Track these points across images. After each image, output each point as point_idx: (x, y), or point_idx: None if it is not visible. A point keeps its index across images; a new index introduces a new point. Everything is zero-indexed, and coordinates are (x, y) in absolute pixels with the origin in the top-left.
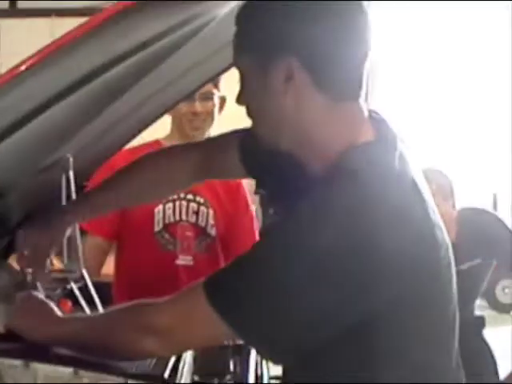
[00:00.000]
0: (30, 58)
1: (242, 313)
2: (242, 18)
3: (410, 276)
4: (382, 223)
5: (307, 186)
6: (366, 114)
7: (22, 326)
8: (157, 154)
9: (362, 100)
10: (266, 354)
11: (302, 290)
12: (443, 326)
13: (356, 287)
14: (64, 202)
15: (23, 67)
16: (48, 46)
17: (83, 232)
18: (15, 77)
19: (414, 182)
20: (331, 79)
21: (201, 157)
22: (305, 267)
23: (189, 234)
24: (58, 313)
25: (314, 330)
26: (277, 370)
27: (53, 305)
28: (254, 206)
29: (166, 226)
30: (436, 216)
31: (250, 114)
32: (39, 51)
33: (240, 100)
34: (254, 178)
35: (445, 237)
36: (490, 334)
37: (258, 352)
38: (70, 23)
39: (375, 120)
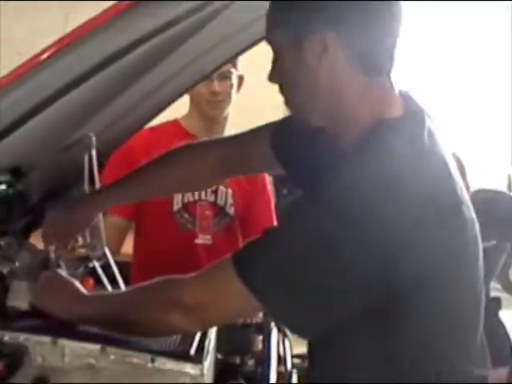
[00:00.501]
0: (54, 43)
1: (271, 286)
2: None
3: (436, 251)
4: (410, 197)
5: (336, 161)
6: (396, 90)
7: (47, 304)
8: (184, 149)
9: (392, 76)
10: (293, 328)
11: (331, 263)
12: (471, 303)
13: (383, 260)
14: (86, 181)
15: (48, 53)
16: (73, 30)
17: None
18: (40, 62)
19: (443, 157)
20: (365, 53)
21: (226, 153)
22: (334, 240)
23: (208, 213)
24: (83, 291)
25: (342, 303)
26: (298, 348)
27: (77, 283)
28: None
29: (185, 206)
30: (464, 193)
31: (283, 90)
32: (64, 36)
33: (272, 77)
34: (283, 165)
35: (472, 214)
36: (503, 316)
37: (285, 325)
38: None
39: (405, 97)
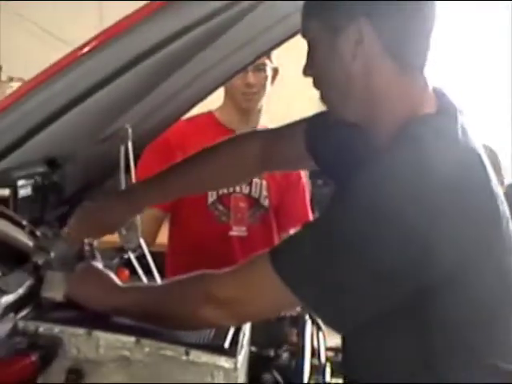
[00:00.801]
0: (93, 38)
1: (307, 280)
2: None
3: (468, 246)
4: (444, 193)
5: (369, 156)
6: (429, 86)
7: (82, 296)
8: (223, 144)
9: (426, 72)
10: (328, 321)
11: (365, 258)
12: (503, 297)
13: (420, 251)
14: (122, 173)
15: (86, 48)
16: (111, 26)
17: None
18: (79, 56)
19: (476, 153)
20: (400, 46)
21: (265, 147)
22: (368, 236)
23: (242, 205)
24: (118, 282)
25: (375, 298)
26: (332, 341)
27: (112, 274)
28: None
29: (220, 198)
30: (498, 189)
31: (318, 83)
32: (102, 31)
33: (306, 71)
34: (316, 160)
35: (506, 210)
36: None
37: (322, 319)
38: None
39: (438, 94)
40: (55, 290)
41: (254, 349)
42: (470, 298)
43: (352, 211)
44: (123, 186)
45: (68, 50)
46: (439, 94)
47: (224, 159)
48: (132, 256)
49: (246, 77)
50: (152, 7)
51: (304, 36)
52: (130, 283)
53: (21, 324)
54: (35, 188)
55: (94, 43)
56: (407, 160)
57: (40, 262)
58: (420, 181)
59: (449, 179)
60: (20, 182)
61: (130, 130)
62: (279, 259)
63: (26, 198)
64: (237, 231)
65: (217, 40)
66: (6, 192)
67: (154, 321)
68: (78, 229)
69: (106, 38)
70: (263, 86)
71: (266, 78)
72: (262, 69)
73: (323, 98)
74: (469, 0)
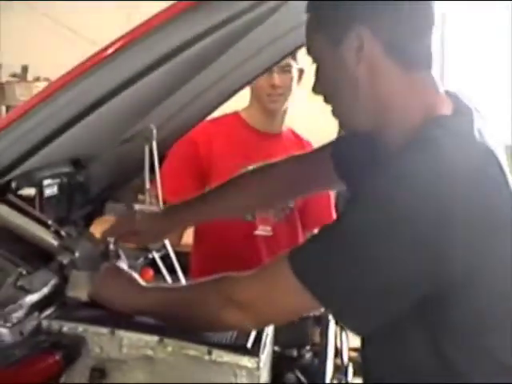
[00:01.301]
0: (119, 38)
1: (327, 283)
2: (313, 3)
3: (485, 246)
4: (460, 193)
5: (384, 158)
6: (440, 87)
7: (105, 296)
8: (256, 171)
9: (434, 73)
10: (348, 324)
11: (384, 260)
12: None
13: (433, 255)
14: (147, 173)
15: (111, 48)
16: (135, 27)
17: (165, 202)
18: (104, 57)
19: (494, 155)
20: (401, 46)
21: (295, 173)
22: (386, 238)
23: None
24: (141, 283)
25: (395, 299)
26: (356, 341)
27: (136, 275)
28: None
29: None
30: None
31: (328, 99)
32: (127, 33)
33: (316, 88)
34: (342, 179)
35: None
36: None
37: (341, 322)
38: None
39: (453, 97)
40: (80, 289)
41: (277, 348)
42: (483, 302)
43: (368, 215)
44: (148, 185)
45: (94, 49)
46: (455, 98)
47: (256, 187)
48: (156, 256)
49: (272, 78)
50: (177, 8)
51: (310, 54)
52: (153, 284)
53: (45, 323)
54: (60, 188)
55: (119, 43)
56: (423, 163)
57: (65, 261)
58: (436, 184)
59: (465, 183)
60: (46, 182)
61: (154, 130)
62: (298, 262)
63: (51, 198)
64: (262, 230)
65: (241, 40)
66: (32, 191)
67: (175, 322)
68: (111, 232)
69: (132, 39)
70: (288, 88)
71: (291, 79)
72: (287, 70)
73: (335, 112)
74: (469, 0)
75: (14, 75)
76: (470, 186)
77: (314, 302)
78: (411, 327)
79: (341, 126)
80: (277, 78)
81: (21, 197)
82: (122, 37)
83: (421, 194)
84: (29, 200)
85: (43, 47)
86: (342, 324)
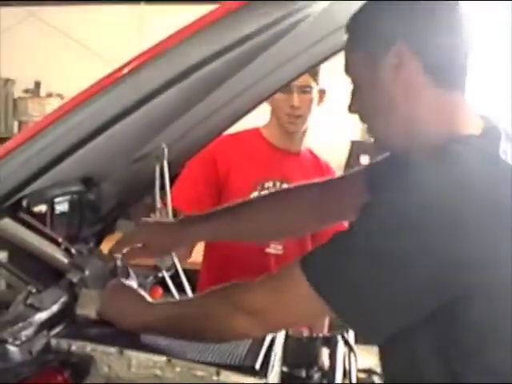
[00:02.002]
0: (134, 58)
1: (337, 288)
2: (353, 19)
3: (499, 260)
4: (477, 205)
5: (405, 170)
6: (472, 108)
7: (112, 314)
8: (278, 194)
9: (466, 93)
10: (358, 330)
11: (399, 267)
12: None
13: (450, 263)
14: (158, 191)
15: (127, 68)
16: (149, 48)
17: (176, 216)
18: (119, 77)
19: None
20: (439, 66)
21: (319, 200)
22: (402, 244)
23: None
24: (148, 299)
25: (408, 307)
26: (364, 362)
27: (142, 292)
28: None
29: None
30: None
31: (363, 117)
32: (141, 53)
33: (352, 107)
34: None
35: None
36: None
37: (353, 329)
38: (159, 10)
39: (483, 118)
40: (89, 307)
41: (285, 369)
42: (494, 314)
43: (382, 223)
44: (158, 205)
45: (106, 65)
46: (486, 119)
47: (277, 212)
48: (166, 275)
49: (291, 98)
50: (191, 29)
51: (347, 73)
52: (159, 300)
53: (54, 342)
54: (72, 205)
55: (134, 64)
56: (441, 173)
57: (74, 279)
58: (452, 195)
59: (482, 197)
60: (57, 199)
61: (165, 150)
62: (309, 266)
63: (62, 215)
64: (273, 249)
65: (255, 59)
66: (43, 207)
67: (185, 335)
68: (118, 247)
69: (147, 59)
70: (308, 109)
71: (311, 100)
72: (307, 91)
73: (370, 129)
74: (469, 0)
75: (26, 91)
76: (487, 201)
77: (325, 307)
78: (420, 336)
79: (376, 143)
80: (296, 98)
81: (31, 213)
82: (137, 57)
83: (436, 203)
84: (39, 216)
85: (56, 63)
86: (352, 329)
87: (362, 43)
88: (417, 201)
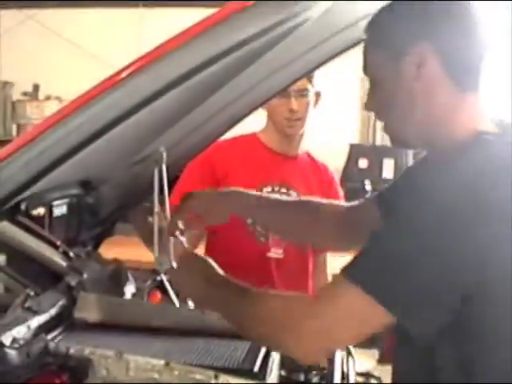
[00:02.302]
0: (132, 62)
1: (391, 288)
2: (374, 19)
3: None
4: (502, 209)
5: (429, 170)
6: (485, 108)
7: (183, 284)
8: (311, 202)
9: (480, 93)
10: (415, 326)
11: (440, 253)
12: None
13: (472, 266)
14: (156, 195)
15: (124, 73)
16: (149, 51)
17: None
18: (117, 81)
19: None
20: (459, 67)
21: (344, 218)
22: (436, 239)
23: None
24: (220, 273)
25: (452, 294)
26: (363, 366)
27: (213, 263)
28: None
29: None
30: None
31: (381, 115)
32: (139, 57)
33: (369, 105)
34: None
35: None
36: None
37: (407, 328)
38: (158, 13)
39: (496, 122)
40: (87, 310)
41: (283, 373)
42: (498, 310)
43: (416, 223)
44: (157, 209)
45: (106, 68)
46: (497, 120)
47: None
48: (165, 278)
49: (289, 102)
50: (190, 33)
51: (366, 72)
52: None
53: (52, 345)
54: (70, 208)
55: (132, 68)
56: (465, 175)
57: (73, 282)
58: (479, 195)
59: (499, 201)
60: (55, 202)
61: (164, 153)
62: (354, 273)
63: (60, 218)
64: (274, 253)
65: (253, 64)
66: (41, 210)
67: (237, 324)
68: (180, 213)
69: (145, 63)
70: (306, 112)
71: (308, 103)
72: (304, 94)
73: (387, 128)
74: (469, 0)
75: (25, 94)
76: (506, 207)
77: (382, 312)
78: (440, 339)
79: (392, 141)
80: (294, 102)
81: (30, 216)
82: (135, 61)
83: (463, 203)
84: (38, 219)
85: (55, 66)
86: (408, 326)
87: (384, 42)
88: (444, 201)
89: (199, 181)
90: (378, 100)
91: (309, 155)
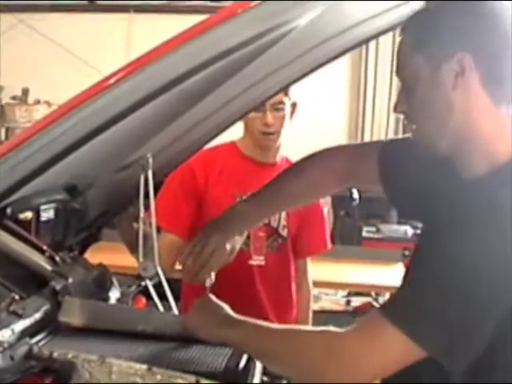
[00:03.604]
0: (120, 69)
1: (425, 327)
2: (414, 21)
3: None
4: None
5: (456, 190)
6: None
7: (198, 326)
8: (309, 159)
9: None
10: (454, 365)
11: (476, 298)
12: None
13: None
14: (141, 201)
15: (113, 78)
16: (139, 56)
17: (158, 229)
18: (105, 87)
19: None
20: (496, 79)
21: (347, 163)
22: (477, 274)
23: (261, 234)
24: (234, 316)
25: (486, 333)
26: None
27: (227, 307)
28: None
29: None
30: None
31: (412, 118)
32: (129, 63)
33: (399, 108)
34: (383, 185)
35: None
36: None
37: (443, 363)
38: (147, 19)
39: None
40: (72, 315)
41: (266, 379)
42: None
43: (454, 259)
44: (142, 214)
45: (95, 73)
46: None
47: (312, 175)
48: (149, 284)
49: (265, 117)
50: (176, 41)
51: (399, 73)
52: (246, 319)
53: (35, 348)
54: (56, 213)
55: (120, 74)
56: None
57: (58, 287)
58: None
59: None
60: (42, 206)
61: (150, 159)
62: (391, 311)
63: (47, 222)
64: (256, 260)
65: (238, 73)
66: (27, 214)
67: (270, 361)
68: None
69: (132, 70)
70: (281, 125)
71: (283, 117)
72: (279, 108)
73: (417, 134)
74: (469, 0)
75: (14, 98)
76: None
77: (418, 350)
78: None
79: (424, 146)
80: (269, 116)
81: (16, 220)
82: (123, 67)
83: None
84: (24, 223)
85: (44, 70)
86: (444, 365)
87: (424, 46)
88: (484, 230)
89: (181, 191)
90: (412, 103)
91: (288, 161)
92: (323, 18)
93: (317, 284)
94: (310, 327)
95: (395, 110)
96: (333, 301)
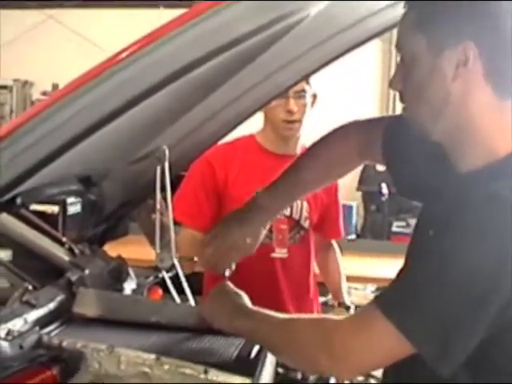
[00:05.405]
0: (130, 45)
1: (417, 321)
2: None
3: None
4: None
5: (452, 182)
6: None
7: (212, 315)
8: (325, 140)
9: None
10: (441, 363)
11: (471, 296)
12: None
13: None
14: (158, 193)
15: (124, 54)
16: (147, 35)
17: (177, 223)
18: (115, 64)
19: None
20: (499, 72)
21: (360, 137)
22: (473, 273)
23: (283, 226)
24: (249, 305)
25: (482, 326)
26: None
27: (245, 297)
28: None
29: None
30: None
31: (407, 98)
32: (137, 40)
33: (394, 84)
34: (386, 161)
35: None
36: None
37: (429, 361)
38: (177, 14)
39: None
40: (86, 305)
41: (281, 371)
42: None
43: (453, 249)
44: (158, 206)
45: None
46: None
47: (328, 157)
48: (166, 275)
49: (288, 104)
50: (193, 13)
51: (399, 49)
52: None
53: (45, 337)
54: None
55: (130, 50)
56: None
57: (73, 278)
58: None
59: None
60: (70, 200)
61: (167, 151)
62: (385, 304)
63: (71, 216)
64: (279, 253)
65: (257, 60)
66: (46, 208)
67: (272, 349)
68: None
69: (144, 45)
70: (304, 113)
71: (305, 105)
72: (302, 95)
73: (409, 112)
74: (470, 0)
75: (44, 93)
76: None
77: (408, 345)
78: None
79: (414, 126)
80: (292, 103)
81: (42, 213)
82: (134, 43)
83: (499, 239)
84: (44, 216)
85: (73, 65)
86: (430, 362)
87: (428, 28)
88: (481, 228)
89: (201, 187)
90: (408, 83)
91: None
92: (335, 8)
93: (346, 278)
94: (309, 315)
95: (390, 85)
96: (362, 295)
